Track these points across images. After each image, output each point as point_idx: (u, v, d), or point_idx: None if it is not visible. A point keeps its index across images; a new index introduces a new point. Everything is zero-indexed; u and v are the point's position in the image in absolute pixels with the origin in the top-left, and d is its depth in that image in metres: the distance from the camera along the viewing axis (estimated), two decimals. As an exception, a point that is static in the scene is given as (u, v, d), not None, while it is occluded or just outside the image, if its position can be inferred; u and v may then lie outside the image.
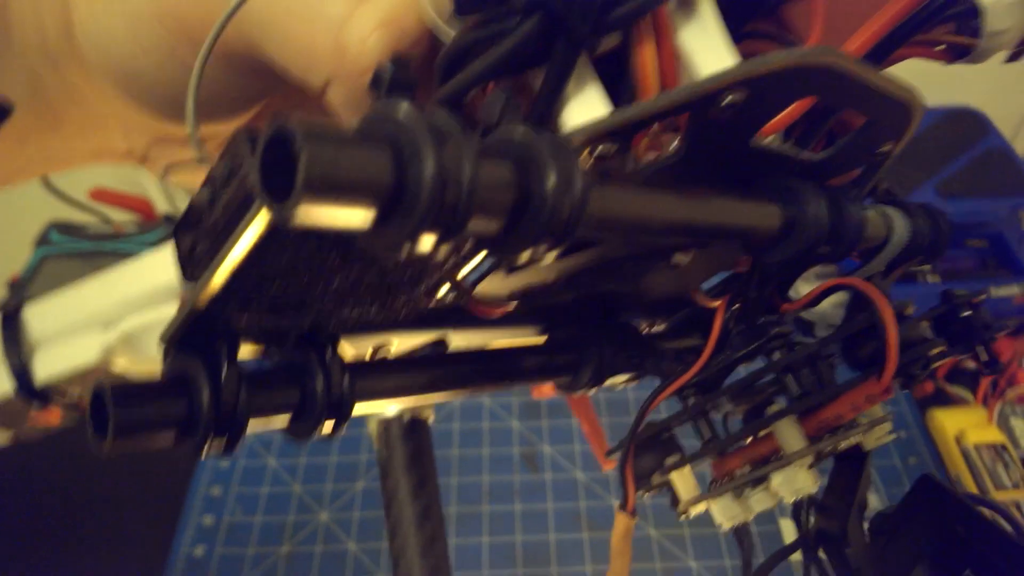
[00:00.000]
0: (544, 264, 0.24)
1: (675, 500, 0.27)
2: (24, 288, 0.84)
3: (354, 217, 0.12)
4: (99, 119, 0.27)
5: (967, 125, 0.90)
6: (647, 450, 0.29)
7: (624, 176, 0.19)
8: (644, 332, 0.33)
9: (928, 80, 0.29)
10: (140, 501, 0.72)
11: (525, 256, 0.15)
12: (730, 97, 0.18)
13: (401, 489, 0.41)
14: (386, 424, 0.42)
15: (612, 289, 0.28)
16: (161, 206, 0.94)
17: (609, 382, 0.30)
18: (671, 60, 0.19)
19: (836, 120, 0.26)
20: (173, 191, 0.92)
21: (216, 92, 0.24)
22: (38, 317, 0.26)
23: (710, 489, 0.27)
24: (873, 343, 0.25)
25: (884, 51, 0.25)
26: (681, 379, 0.27)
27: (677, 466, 0.27)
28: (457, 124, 0.13)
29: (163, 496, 0.73)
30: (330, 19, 0.20)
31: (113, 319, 0.25)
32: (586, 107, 0.18)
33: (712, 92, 0.18)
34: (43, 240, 0.89)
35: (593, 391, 0.30)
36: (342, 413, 0.20)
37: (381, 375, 0.23)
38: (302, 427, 0.20)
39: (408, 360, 0.24)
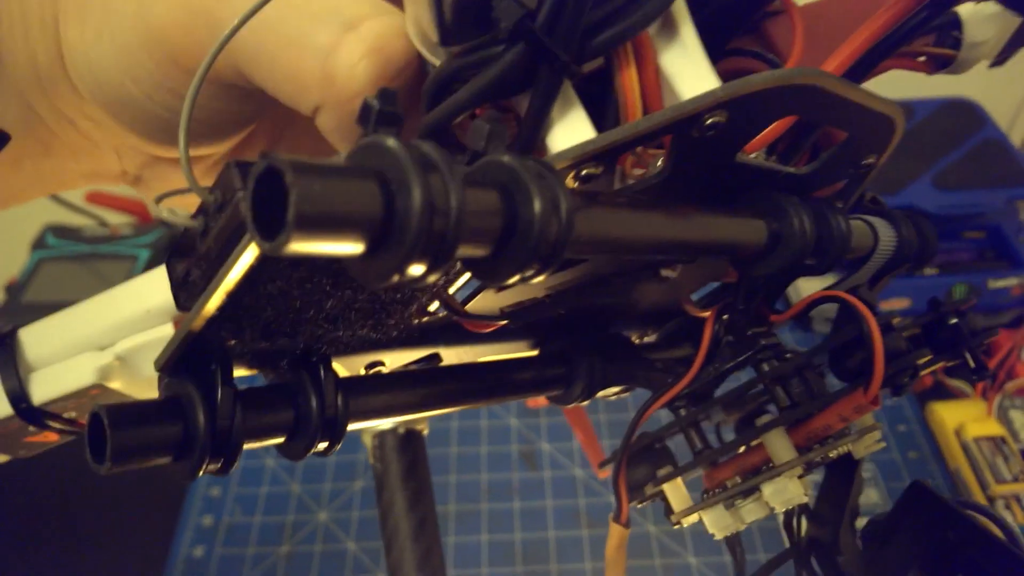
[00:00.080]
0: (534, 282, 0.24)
1: (669, 508, 0.28)
2: (21, 291, 0.84)
3: (344, 248, 0.12)
4: (92, 143, 0.27)
5: (963, 116, 0.91)
6: (640, 461, 0.29)
7: (610, 197, 0.19)
8: (636, 343, 0.34)
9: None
10: (139, 502, 0.72)
11: (514, 280, 0.15)
12: (713, 118, 0.18)
13: (397, 502, 0.41)
14: (381, 437, 0.42)
15: (603, 302, 0.29)
16: (156, 209, 0.94)
17: (601, 394, 0.30)
18: (654, 82, 0.20)
19: (820, 133, 0.26)
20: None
21: (207, 117, 0.24)
22: (34, 339, 0.26)
23: (702, 499, 0.27)
24: (860, 354, 0.26)
25: (867, 65, 0.25)
26: (672, 391, 0.27)
27: (669, 478, 0.27)
28: (443, 153, 0.13)
29: (162, 497, 0.73)
30: (318, 48, 0.20)
31: (108, 341, 0.25)
32: (571, 130, 0.19)
33: (694, 114, 0.18)
34: (39, 243, 0.89)
35: (586, 403, 0.31)
36: (336, 434, 0.20)
37: (374, 394, 0.23)
38: (296, 447, 0.20)
39: (401, 378, 0.25)
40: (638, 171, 0.21)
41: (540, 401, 0.33)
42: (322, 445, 0.20)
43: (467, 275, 0.20)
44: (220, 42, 0.19)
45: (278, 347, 0.20)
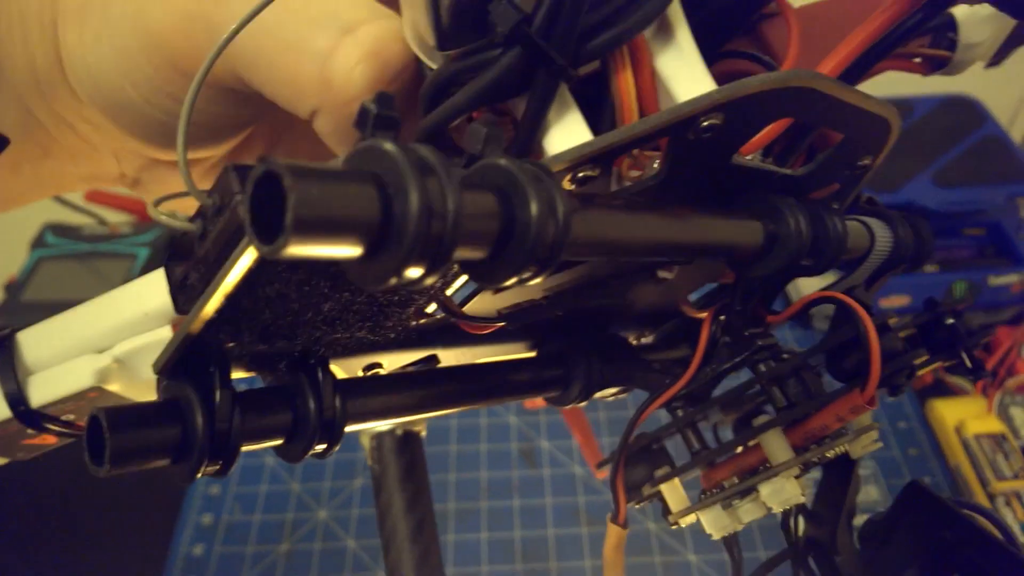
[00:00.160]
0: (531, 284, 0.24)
1: (667, 509, 0.28)
2: (21, 289, 0.84)
3: (342, 252, 0.12)
4: (90, 147, 0.27)
5: (963, 113, 0.91)
6: (638, 461, 0.29)
7: (607, 199, 0.19)
8: (633, 344, 0.34)
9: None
10: (139, 501, 0.72)
11: (511, 283, 0.15)
12: (709, 120, 0.19)
13: (395, 504, 0.41)
14: (379, 439, 0.42)
15: (600, 303, 0.29)
16: (154, 212, 0.95)
17: (599, 395, 0.30)
18: (650, 84, 0.20)
19: (816, 135, 0.26)
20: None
21: (205, 120, 0.24)
22: (32, 342, 0.26)
23: (700, 500, 0.27)
24: (856, 354, 0.26)
25: (863, 67, 0.25)
26: (669, 392, 0.27)
27: (667, 478, 0.27)
28: (440, 156, 0.13)
29: (162, 495, 0.73)
30: (316, 52, 0.20)
31: (106, 344, 0.25)
32: (567, 133, 0.19)
33: (690, 116, 0.18)
34: (39, 242, 0.89)
35: (583, 404, 0.31)
36: (334, 436, 0.20)
37: (372, 396, 0.23)
38: (294, 449, 0.20)
39: (399, 379, 0.25)
40: (635, 173, 0.22)
41: (538, 402, 0.33)
42: (320, 447, 0.20)
43: (464, 277, 0.21)
44: (218, 46, 0.19)
45: (276, 349, 0.20)
